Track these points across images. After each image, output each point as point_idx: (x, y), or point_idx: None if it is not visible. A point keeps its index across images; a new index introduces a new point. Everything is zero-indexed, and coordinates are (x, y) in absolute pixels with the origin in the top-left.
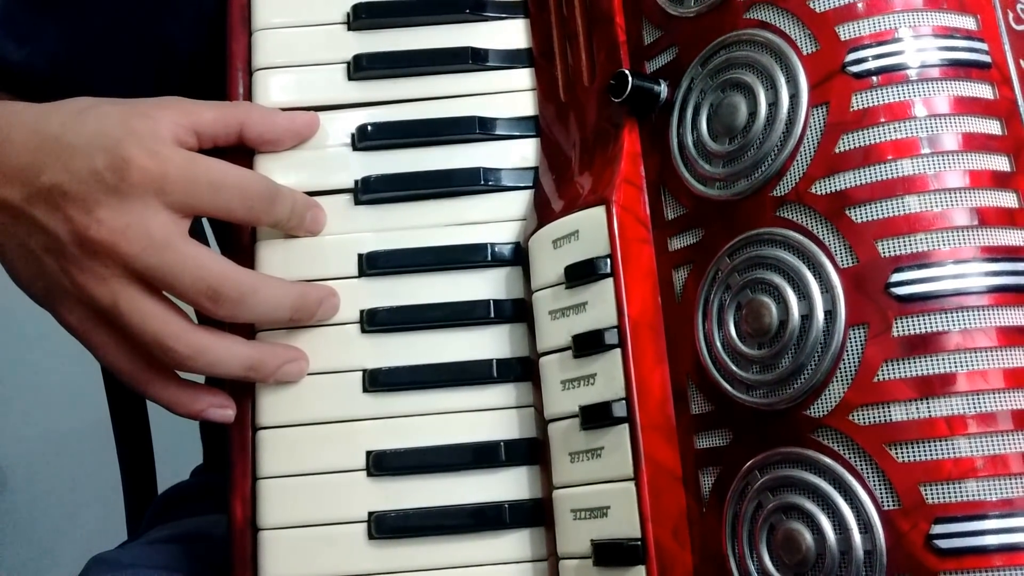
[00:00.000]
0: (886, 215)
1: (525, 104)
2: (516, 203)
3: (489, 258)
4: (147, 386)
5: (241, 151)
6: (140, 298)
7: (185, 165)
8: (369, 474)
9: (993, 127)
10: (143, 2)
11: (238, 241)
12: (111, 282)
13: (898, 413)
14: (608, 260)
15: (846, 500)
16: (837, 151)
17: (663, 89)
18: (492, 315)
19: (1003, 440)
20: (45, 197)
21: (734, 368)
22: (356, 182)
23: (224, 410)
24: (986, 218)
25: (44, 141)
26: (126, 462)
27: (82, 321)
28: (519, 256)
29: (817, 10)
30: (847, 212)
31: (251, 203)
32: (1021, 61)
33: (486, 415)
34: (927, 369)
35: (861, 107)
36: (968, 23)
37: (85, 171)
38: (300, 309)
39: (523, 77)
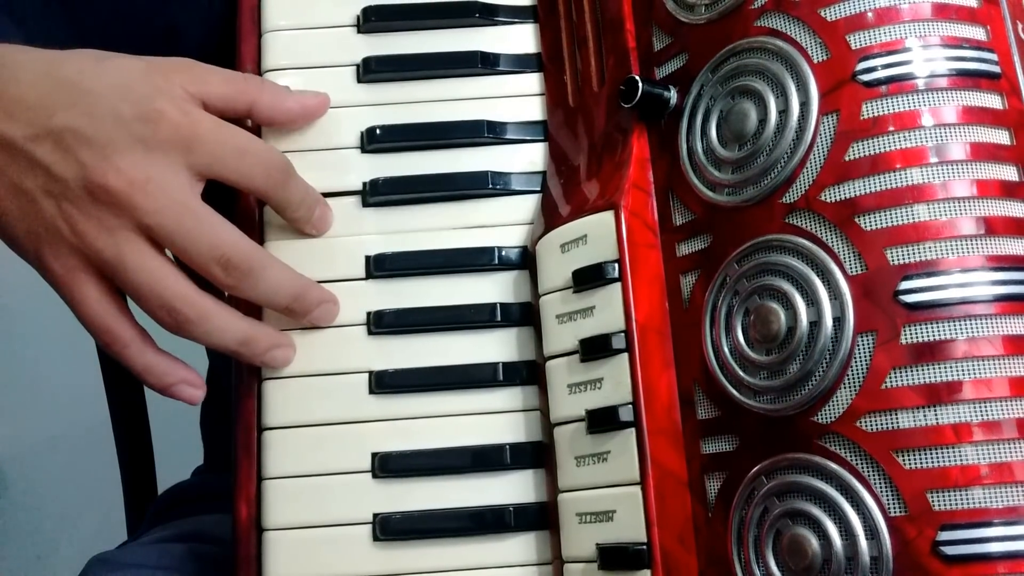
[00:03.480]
0: (895, 223)
1: (534, 108)
2: (524, 207)
3: (496, 261)
4: (125, 348)
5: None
6: (149, 255)
7: (215, 128)
8: (374, 476)
9: (1002, 137)
10: None
11: (247, 220)
12: (118, 234)
13: (905, 420)
14: (616, 265)
15: (852, 506)
16: (847, 159)
17: (673, 95)
18: (499, 318)
19: (1008, 448)
20: (55, 138)
21: (741, 374)
22: (364, 184)
23: (195, 390)
24: (994, 227)
25: (58, 84)
26: (126, 462)
27: (69, 270)
28: (526, 260)
29: (828, 19)
30: (856, 220)
31: (271, 172)
32: None
33: (492, 418)
34: (935, 377)
35: (871, 116)
36: (978, 33)
37: (109, 117)
38: (299, 299)
39: (532, 81)
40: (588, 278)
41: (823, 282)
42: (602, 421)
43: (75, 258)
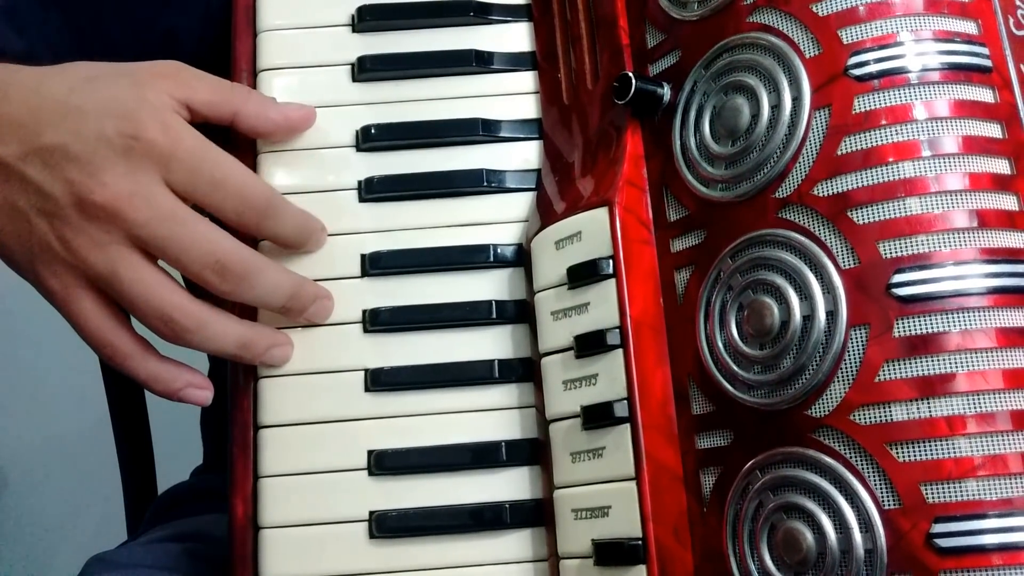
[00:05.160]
0: (887, 216)
1: (528, 107)
2: (518, 205)
3: (491, 259)
4: (127, 359)
5: (246, 143)
6: (142, 267)
7: (194, 151)
8: (370, 473)
9: (994, 130)
10: None
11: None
12: (110, 248)
13: (899, 413)
14: (610, 261)
15: (847, 499)
16: (839, 153)
17: (666, 92)
18: (494, 316)
19: (1002, 440)
20: (43, 157)
21: (735, 368)
22: (359, 183)
23: (203, 391)
24: (986, 220)
25: (47, 103)
26: (126, 462)
27: (67, 287)
28: (521, 257)
29: (820, 14)
30: (848, 213)
31: (243, 212)
32: (1022, 65)
33: (487, 415)
34: (928, 369)
35: (863, 110)
36: (969, 27)
37: (93, 135)
38: (295, 298)
39: (526, 80)
40: (582, 274)
41: (816, 276)
42: (597, 417)
43: (71, 275)
